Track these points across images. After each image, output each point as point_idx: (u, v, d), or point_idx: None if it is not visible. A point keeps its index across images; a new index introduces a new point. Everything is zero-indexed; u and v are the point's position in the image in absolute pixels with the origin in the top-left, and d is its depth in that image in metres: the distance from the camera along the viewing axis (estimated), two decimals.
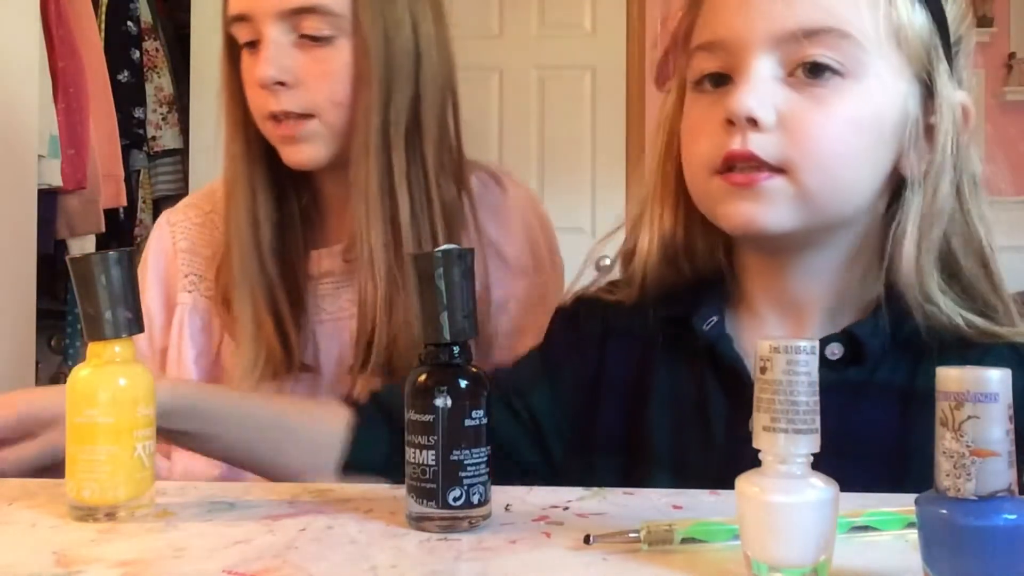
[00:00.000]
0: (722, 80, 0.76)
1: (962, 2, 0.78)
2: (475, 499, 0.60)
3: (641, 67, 3.82)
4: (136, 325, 0.64)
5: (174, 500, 0.67)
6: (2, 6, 2.11)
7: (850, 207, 0.75)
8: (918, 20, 0.74)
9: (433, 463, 0.59)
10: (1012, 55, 3.36)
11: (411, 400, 0.60)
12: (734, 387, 0.77)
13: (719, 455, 0.75)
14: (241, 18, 0.96)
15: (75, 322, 2.76)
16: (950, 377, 0.45)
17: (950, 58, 0.76)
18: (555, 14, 3.90)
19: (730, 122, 0.72)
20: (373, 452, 0.82)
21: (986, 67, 3.19)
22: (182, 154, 3.12)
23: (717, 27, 0.76)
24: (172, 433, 0.79)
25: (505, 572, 0.52)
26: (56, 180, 2.33)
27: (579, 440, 0.85)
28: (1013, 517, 0.44)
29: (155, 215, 2.65)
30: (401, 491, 0.62)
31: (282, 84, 0.95)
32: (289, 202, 1.04)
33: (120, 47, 2.85)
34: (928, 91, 0.75)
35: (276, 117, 0.96)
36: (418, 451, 0.60)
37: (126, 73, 2.87)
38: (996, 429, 0.44)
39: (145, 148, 2.99)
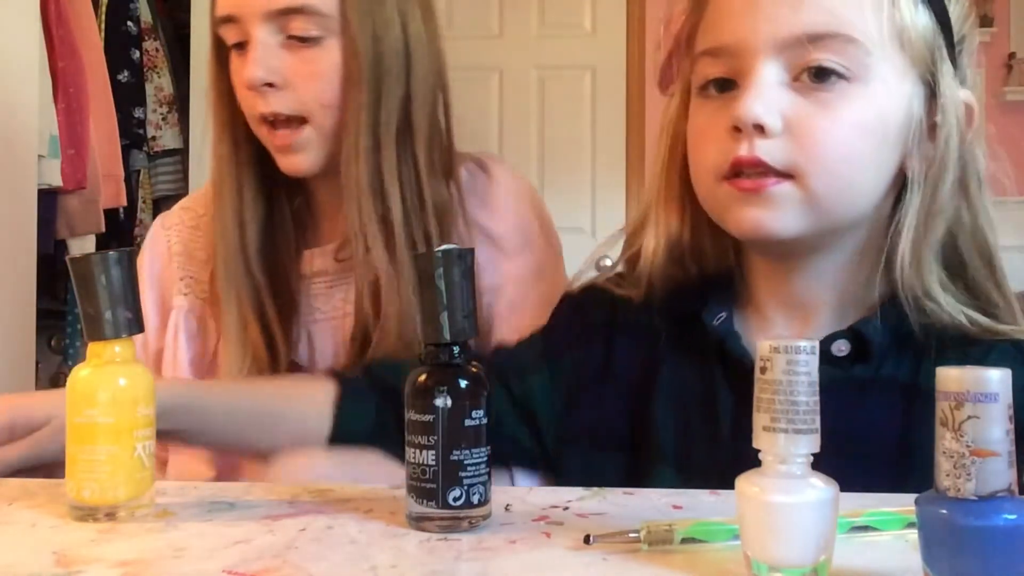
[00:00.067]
0: (727, 85, 0.76)
1: (965, 1, 0.78)
2: (475, 499, 0.60)
3: (641, 67, 3.82)
4: (136, 325, 0.64)
5: (174, 500, 0.67)
6: (2, 6, 2.11)
7: (857, 210, 0.75)
8: (921, 21, 0.74)
9: (433, 463, 0.59)
10: (1012, 55, 3.36)
11: (411, 400, 0.60)
12: (742, 384, 0.77)
13: (725, 451, 0.76)
14: (228, 19, 0.96)
15: (75, 322, 2.76)
16: (950, 377, 0.45)
17: (953, 58, 0.76)
18: (555, 14, 3.90)
19: (737, 128, 0.73)
20: (357, 424, 0.85)
21: (986, 67, 3.19)
22: (182, 154, 3.12)
23: (721, 32, 0.76)
24: (164, 433, 0.80)
25: (505, 572, 0.52)
26: (56, 180, 2.33)
27: (578, 433, 0.85)
28: (1013, 517, 0.44)
29: (155, 215, 2.65)
30: (401, 491, 0.62)
31: (271, 85, 0.94)
32: (280, 203, 1.04)
33: (120, 47, 2.85)
34: (932, 91, 0.75)
35: (269, 122, 0.96)
36: (418, 451, 0.60)
37: (126, 73, 2.87)
38: (996, 429, 0.44)
39: (145, 148, 2.99)
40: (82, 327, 0.65)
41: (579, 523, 0.61)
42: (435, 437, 0.59)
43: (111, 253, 0.64)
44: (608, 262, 0.91)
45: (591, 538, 0.55)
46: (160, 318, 1.06)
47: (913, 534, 0.48)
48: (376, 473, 0.83)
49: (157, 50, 3.02)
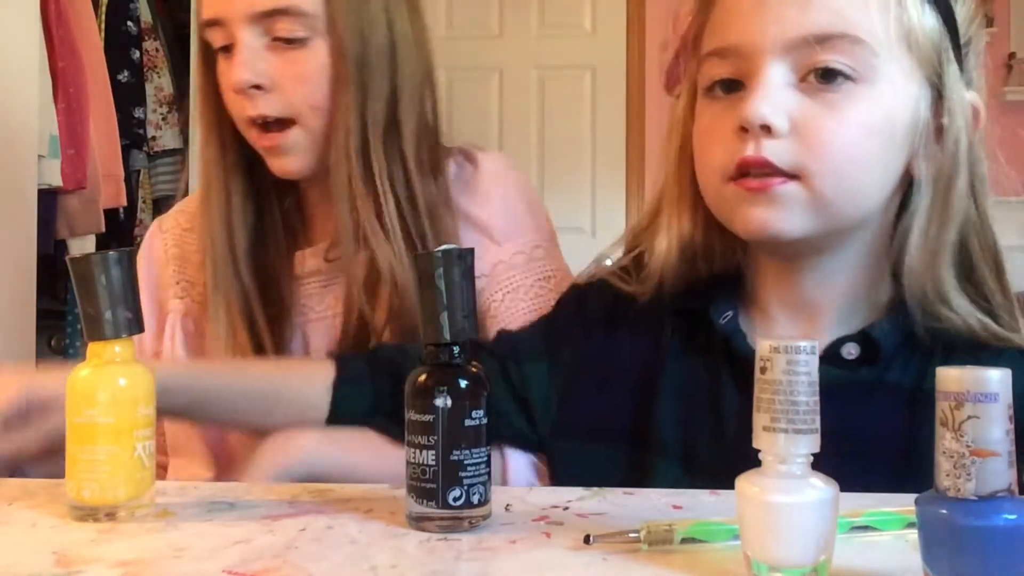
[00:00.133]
0: (734, 86, 0.76)
1: (971, 3, 0.78)
2: (475, 499, 0.60)
3: (641, 67, 3.83)
4: (136, 325, 0.64)
5: (174, 500, 0.67)
6: (2, 6, 2.11)
7: (863, 211, 0.75)
8: (928, 23, 0.74)
9: (433, 463, 0.59)
10: (1012, 55, 3.36)
11: (411, 400, 0.60)
12: (747, 382, 0.77)
13: (729, 448, 0.75)
14: (214, 23, 0.96)
15: (75, 322, 2.76)
16: (950, 377, 0.45)
17: (960, 59, 0.76)
18: (555, 14, 3.91)
19: (743, 129, 0.73)
20: (354, 406, 0.86)
21: (986, 67, 3.19)
22: (182, 154, 3.12)
23: (728, 33, 0.76)
24: (163, 411, 0.80)
25: (505, 572, 0.52)
26: (56, 180, 2.33)
27: (576, 425, 0.85)
28: (1013, 517, 0.44)
29: (155, 215, 2.65)
30: (401, 491, 0.62)
31: (258, 88, 0.94)
32: (270, 205, 1.03)
33: (120, 47, 2.85)
34: (938, 93, 0.75)
35: (258, 124, 0.96)
36: (418, 451, 0.60)
37: (126, 73, 2.87)
38: (996, 429, 0.44)
39: (145, 148, 2.99)
40: (82, 327, 0.64)
41: (579, 523, 0.61)
42: (435, 437, 0.59)
43: (111, 253, 0.64)
44: (609, 263, 0.91)
45: (591, 538, 0.55)
46: (157, 322, 1.06)
47: (913, 534, 0.48)
48: (367, 454, 0.84)
49: (157, 50, 3.02)
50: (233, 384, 0.86)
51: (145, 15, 2.99)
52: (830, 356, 0.76)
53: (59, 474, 0.74)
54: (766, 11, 0.73)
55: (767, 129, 0.72)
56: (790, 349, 0.48)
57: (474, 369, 0.61)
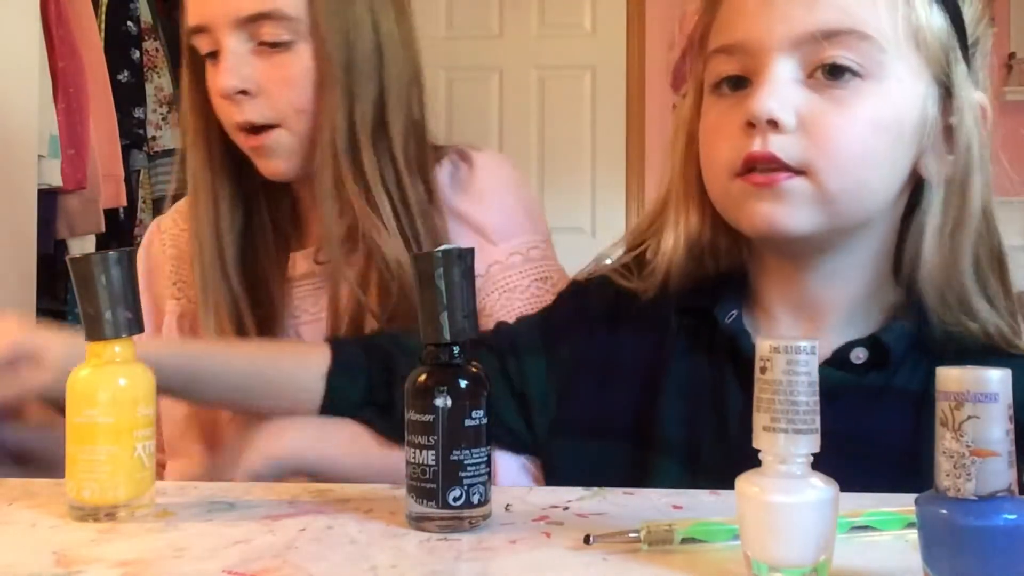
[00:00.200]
0: (740, 83, 0.75)
1: (978, 3, 0.78)
2: (475, 499, 0.60)
3: (641, 67, 3.83)
4: (136, 325, 0.64)
5: (174, 500, 0.67)
6: (2, 6, 2.11)
7: (870, 209, 0.75)
8: (936, 22, 0.74)
9: (433, 463, 0.59)
10: (1012, 55, 3.37)
11: (411, 400, 0.60)
12: (752, 381, 0.77)
13: (733, 448, 0.75)
14: (200, 29, 0.96)
15: (75, 322, 2.76)
16: (950, 377, 0.45)
17: (967, 59, 0.76)
18: (555, 14, 3.91)
19: (750, 124, 0.72)
20: (348, 395, 0.86)
21: (990, 67, 3.20)
22: (182, 154, 3.11)
23: (735, 30, 0.75)
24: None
25: (505, 572, 0.52)
26: (56, 180, 2.33)
27: (575, 422, 0.85)
28: (1013, 517, 0.44)
29: (155, 215, 2.65)
30: (401, 491, 0.62)
31: (244, 93, 0.94)
32: (260, 209, 1.03)
33: (120, 47, 2.85)
34: (946, 92, 0.75)
35: (244, 129, 0.96)
36: (418, 451, 0.60)
37: (126, 73, 2.87)
38: (996, 429, 0.44)
39: (145, 148, 2.99)
40: (82, 327, 0.65)
41: (579, 523, 0.61)
42: (435, 437, 0.59)
43: (111, 253, 0.64)
44: (609, 262, 0.91)
45: (591, 538, 0.55)
46: (154, 322, 1.06)
47: (913, 534, 0.48)
48: (359, 452, 0.84)
49: (157, 50, 3.02)
50: (226, 363, 0.86)
51: (145, 15, 2.98)
52: (839, 360, 0.75)
53: (39, 446, 0.75)
54: (773, 9, 0.73)
55: (774, 124, 0.71)
56: (790, 349, 0.48)
57: (474, 369, 0.61)
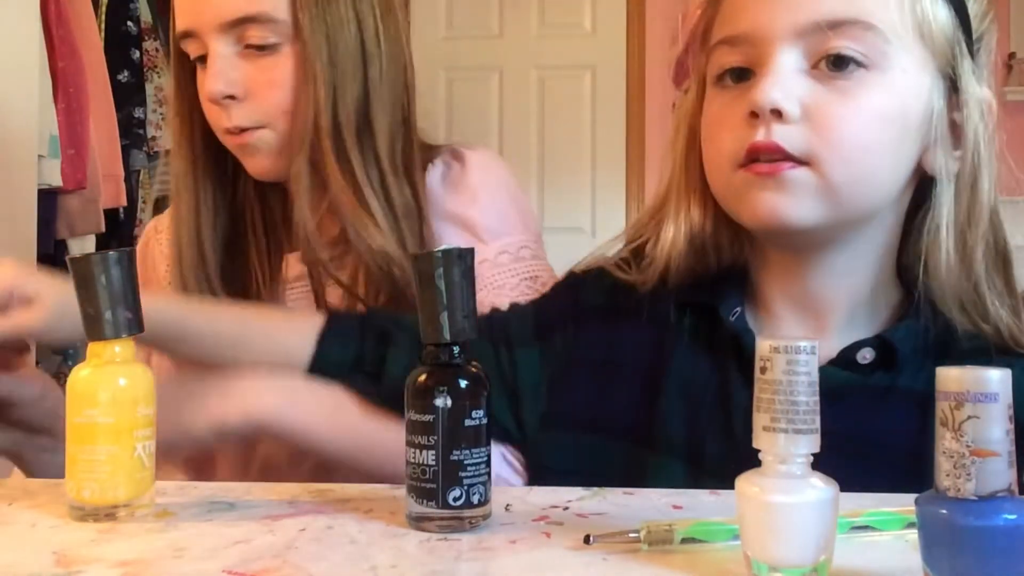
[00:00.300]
0: (744, 75, 0.75)
1: (984, 0, 0.78)
2: (475, 499, 0.60)
3: (641, 67, 3.83)
4: (136, 325, 0.64)
5: (174, 500, 0.67)
6: (2, 6, 2.11)
7: (874, 201, 0.74)
8: (941, 15, 0.74)
9: (433, 463, 0.59)
10: (1012, 55, 3.37)
11: (411, 400, 0.60)
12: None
13: (737, 446, 0.75)
14: (188, 34, 0.95)
15: None
16: (950, 377, 0.45)
17: (972, 55, 0.76)
18: (555, 14, 3.91)
19: (754, 114, 0.72)
20: (336, 358, 0.85)
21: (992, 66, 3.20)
22: None
23: (739, 21, 0.75)
24: (144, 342, 0.80)
25: (505, 572, 0.52)
26: (56, 180, 2.33)
27: (568, 416, 0.84)
28: (1013, 517, 0.44)
29: (155, 215, 2.65)
30: (401, 491, 0.62)
31: (232, 97, 0.94)
32: (250, 214, 1.03)
33: (120, 47, 2.85)
34: (952, 87, 0.75)
35: (233, 132, 0.96)
36: (418, 451, 0.60)
37: (126, 73, 2.87)
38: (996, 429, 0.44)
39: (145, 148, 2.99)
40: (82, 327, 0.65)
41: (579, 523, 0.61)
42: (435, 437, 0.59)
43: (111, 253, 0.64)
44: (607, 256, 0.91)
45: (591, 538, 0.55)
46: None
47: (913, 534, 0.48)
48: (336, 419, 0.84)
49: (157, 50, 3.02)
50: (216, 323, 0.85)
51: (145, 15, 2.98)
52: (844, 360, 0.75)
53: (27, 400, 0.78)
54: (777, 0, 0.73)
55: (778, 114, 0.71)
56: (790, 349, 0.48)
57: (474, 369, 0.61)
